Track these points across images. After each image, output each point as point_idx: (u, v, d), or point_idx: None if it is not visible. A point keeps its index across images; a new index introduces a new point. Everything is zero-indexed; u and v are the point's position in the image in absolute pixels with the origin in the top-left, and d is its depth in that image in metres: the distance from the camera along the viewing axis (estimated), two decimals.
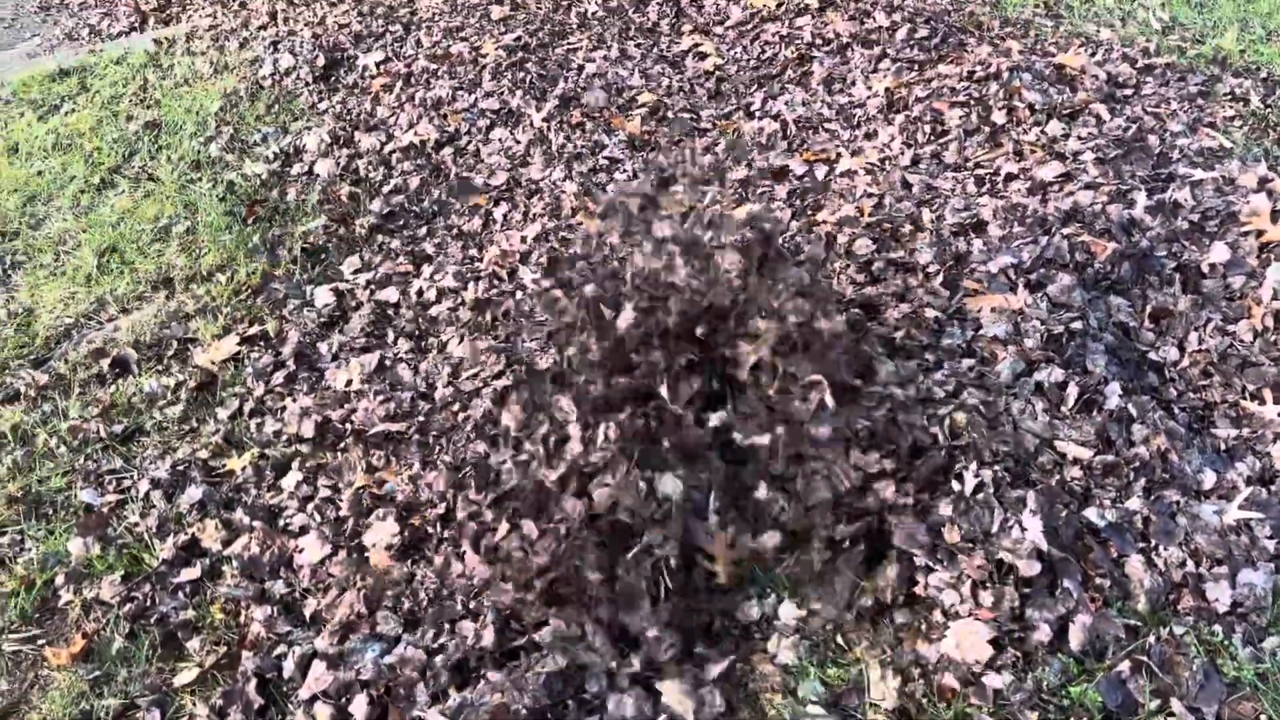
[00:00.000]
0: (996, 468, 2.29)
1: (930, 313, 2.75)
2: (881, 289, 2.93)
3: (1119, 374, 2.57)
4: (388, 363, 3.07)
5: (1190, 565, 2.16)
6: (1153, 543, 2.20)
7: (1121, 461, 2.32)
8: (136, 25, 6.05)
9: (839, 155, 3.79)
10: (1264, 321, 2.69)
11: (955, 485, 2.27)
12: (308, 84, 4.84)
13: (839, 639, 2.15)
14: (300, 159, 4.28)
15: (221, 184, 4.13)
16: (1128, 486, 2.29)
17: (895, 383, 2.50)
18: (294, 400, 2.96)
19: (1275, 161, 3.54)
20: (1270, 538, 2.19)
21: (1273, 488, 2.32)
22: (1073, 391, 2.46)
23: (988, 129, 3.67)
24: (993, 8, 4.99)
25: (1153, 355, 2.67)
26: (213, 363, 3.17)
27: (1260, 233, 2.91)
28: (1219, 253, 2.86)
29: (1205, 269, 2.86)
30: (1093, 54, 4.36)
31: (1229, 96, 4.06)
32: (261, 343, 3.25)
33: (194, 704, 2.18)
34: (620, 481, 2.17)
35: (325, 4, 5.54)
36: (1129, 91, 4.08)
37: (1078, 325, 2.63)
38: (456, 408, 2.80)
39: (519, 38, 4.87)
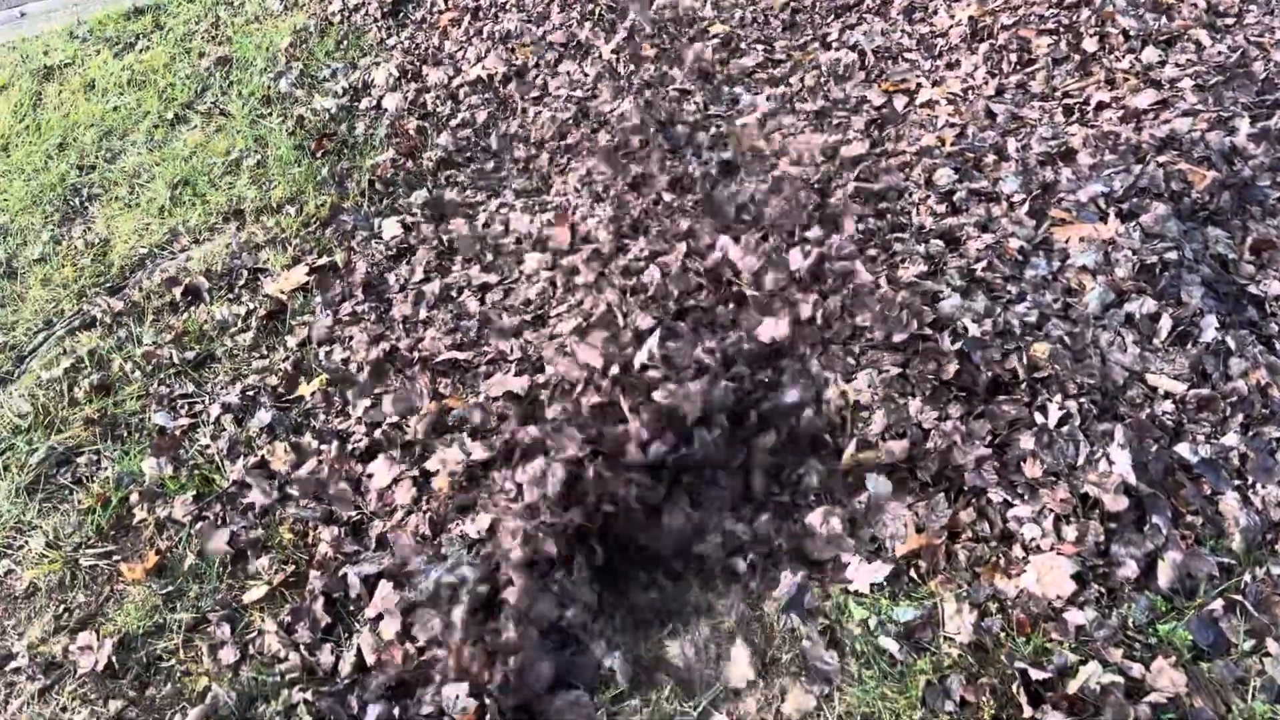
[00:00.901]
0: (1082, 400, 2.19)
1: (1014, 243, 2.63)
2: (963, 219, 2.82)
3: (1216, 307, 2.44)
4: (454, 294, 3.04)
5: None
6: (1249, 480, 2.09)
7: (1218, 396, 2.20)
8: None
9: (919, 86, 3.64)
10: None
11: (1038, 418, 2.18)
12: (376, 20, 4.80)
13: (913, 572, 2.08)
14: (369, 94, 4.25)
15: (291, 118, 4.13)
16: (1224, 422, 2.18)
17: (967, 318, 2.41)
18: (362, 330, 2.96)
19: None
20: None
21: None
22: (1166, 324, 2.34)
23: (1078, 57, 3.49)
24: None
25: (1252, 289, 2.52)
26: (282, 292, 3.18)
27: None
28: None
29: None
30: None
31: None
32: (330, 273, 3.25)
33: (263, 620, 2.20)
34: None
35: None
36: (1230, 21, 3.84)
37: (1172, 256, 2.49)
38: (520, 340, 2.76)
39: None
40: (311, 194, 3.64)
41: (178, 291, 3.26)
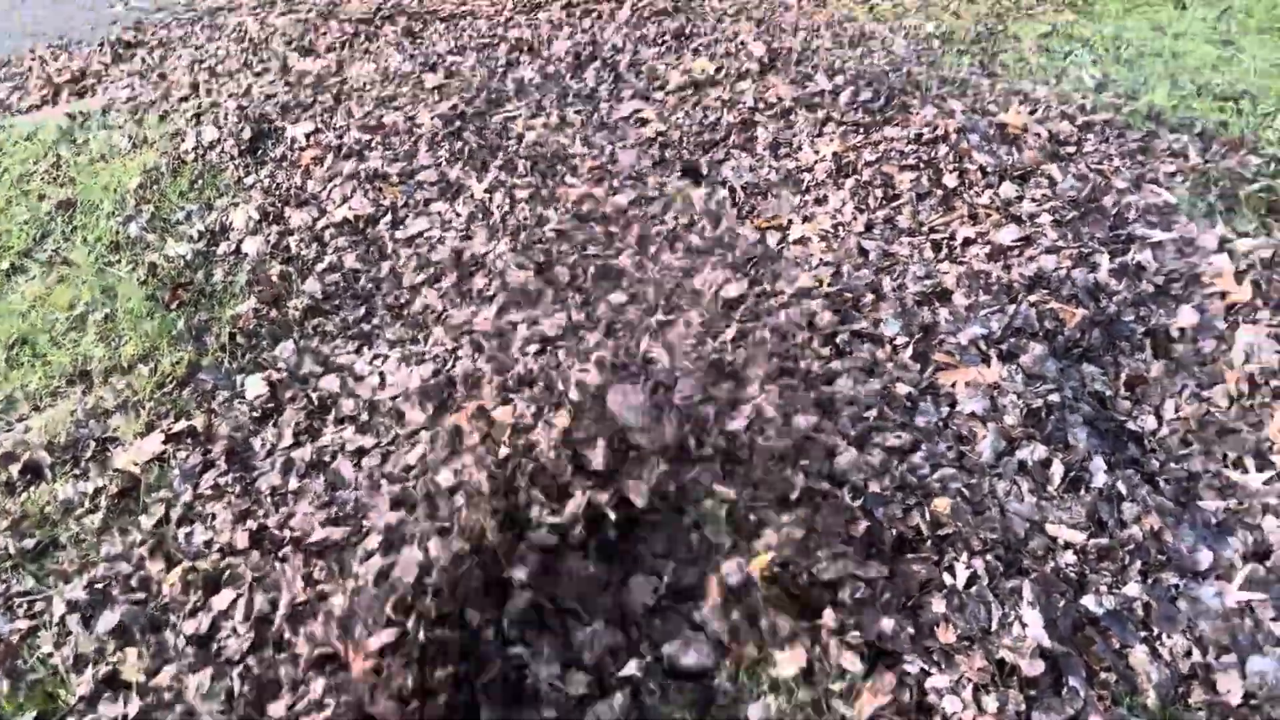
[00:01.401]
0: (988, 557, 2.17)
1: (902, 389, 2.64)
2: (849, 363, 2.82)
3: (1100, 447, 2.48)
4: (327, 459, 2.86)
5: (1197, 654, 2.05)
6: (1155, 630, 2.09)
7: (1116, 544, 2.21)
8: (49, 99, 5.77)
9: (791, 222, 3.70)
10: (1239, 386, 2.63)
11: (947, 579, 2.14)
12: (233, 157, 4.63)
13: None
14: (227, 237, 4.06)
15: (142, 266, 3.89)
16: (1124, 570, 2.19)
17: (865, 474, 2.38)
18: (226, 505, 2.73)
19: (1220, 218, 3.54)
20: (1275, 620, 2.10)
21: (1269, 563, 2.23)
22: (1058, 470, 2.36)
23: (940, 192, 3.61)
24: (930, 67, 4.99)
25: (1131, 425, 2.59)
26: (135, 464, 2.92)
27: (1225, 294, 2.87)
28: (1187, 316, 2.80)
29: (1175, 333, 2.80)
30: (1032, 111, 4.36)
31: (1168, 152, 4.07)
32: (189, 440, 3.01)
33: None
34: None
35: (250, 74, 5.34)
36: (1071, 149, 4.07)
37: (1055, 398, 2.54)
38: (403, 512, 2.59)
39: (455, 106, 4.73)
40: (166, 350, 3.41)
41: (15, 469, 2.96)
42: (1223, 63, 4.93)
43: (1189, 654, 2.05)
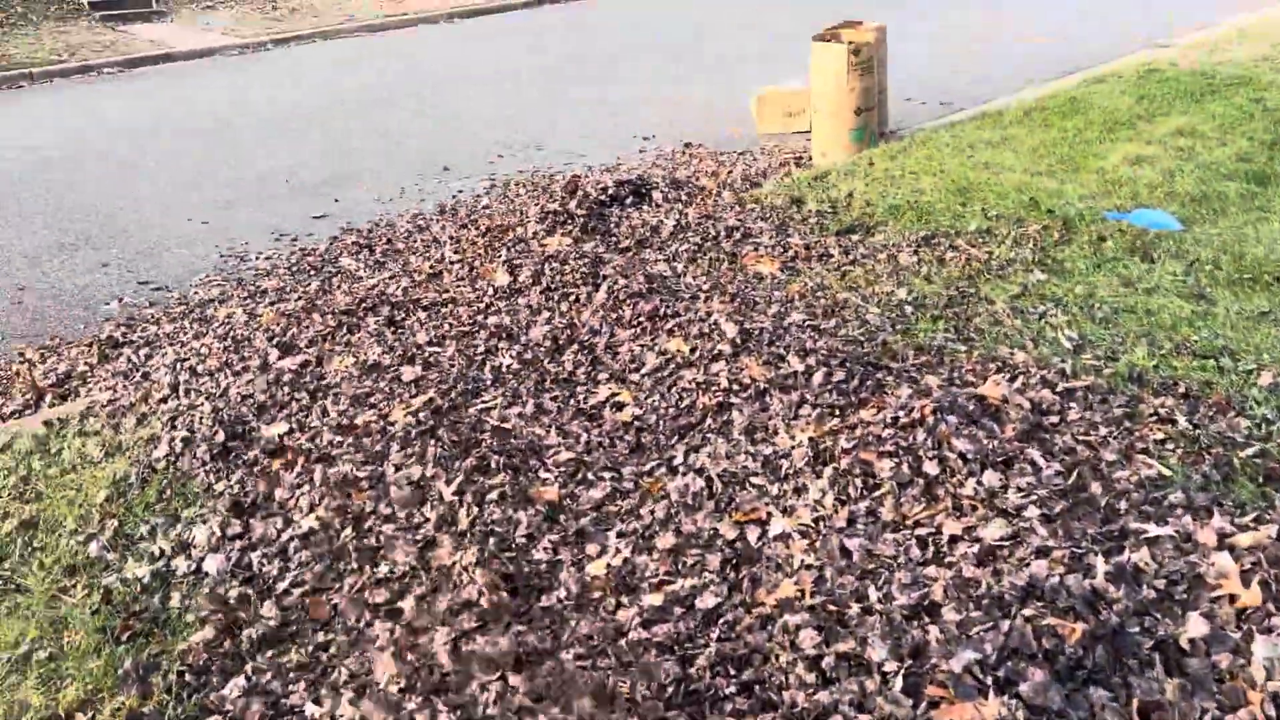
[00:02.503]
0: None
1: None
2: (836, 694, 2.59)
3: None
4: None
5: None
6: None
7: None
8: (32, 403, 5.80)
9: (770, 515, 3.55)
10: (1264, 709, 2.38)
11: None
12: (204, 463, 4.55)
13: None
14: (188, 554, 3.90)
15: (97, 592, 3.72)
16: None
17: None
18: None
19: (1216, 488, 3.39)
20: None
21: None
22: None
23: (921, 481, 3.48)
24: (904, 335, 4.99)
25: None
26: None
27: (1234, 598, 2.67)
28: (1197, 626, 2.59)
29: (1185, 645, 2.58)
30: (1012, 379, 4.31)
31: (1155, 418, 3.98)
32: None
33: None
34: None
35: (229, 373, 5.37)
36: (1055, 419, 3.98)
37: None
38: None
39: (430, 399, 4.70)
40: (109, 694, 3.18)
41: None
42: (1197, 318, 4.94)
43: None
